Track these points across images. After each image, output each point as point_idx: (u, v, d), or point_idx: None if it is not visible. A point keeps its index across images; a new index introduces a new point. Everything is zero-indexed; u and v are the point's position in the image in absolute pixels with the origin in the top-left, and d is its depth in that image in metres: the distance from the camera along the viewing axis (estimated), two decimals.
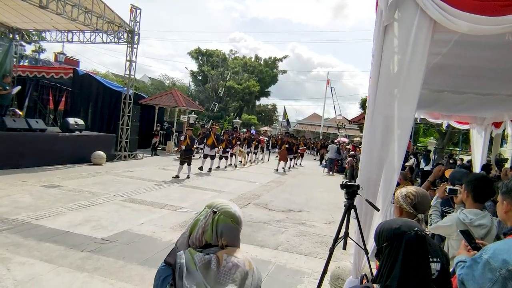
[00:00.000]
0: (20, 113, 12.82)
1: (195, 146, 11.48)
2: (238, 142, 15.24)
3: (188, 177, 10.59)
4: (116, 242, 4.71)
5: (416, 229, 1.35)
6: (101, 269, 3.85)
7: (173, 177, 10.17)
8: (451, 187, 2.80)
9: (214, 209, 1.32)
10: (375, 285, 1.33)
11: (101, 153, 11.48)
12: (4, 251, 4.04)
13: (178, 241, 1.35)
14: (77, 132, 11.46)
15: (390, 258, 1.33)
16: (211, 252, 1.25)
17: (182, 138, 10.81)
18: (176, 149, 10.75)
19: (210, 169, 12.56)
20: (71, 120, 11.54)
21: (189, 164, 10.63)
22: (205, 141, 12.74)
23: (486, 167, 7.00)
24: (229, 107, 42.97)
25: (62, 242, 4.49)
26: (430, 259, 1.77)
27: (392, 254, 1.33)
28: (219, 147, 13.58)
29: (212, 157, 12.80)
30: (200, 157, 15.63)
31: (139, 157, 14.11)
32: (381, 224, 1.49)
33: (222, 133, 15.54)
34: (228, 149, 14.33)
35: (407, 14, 2.43)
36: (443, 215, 2.79)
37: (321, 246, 5.45)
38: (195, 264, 1.21)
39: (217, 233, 1.28)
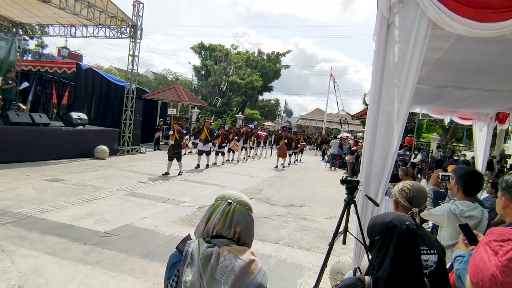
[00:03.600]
0: (24, 107, 12.89)
1: (192, 141, 11.20)
2: (236, 137, 14.95)
3: (180, 173, 10.05)
4: (118, 236, 4.76)
5: (407, 222, 1.36)
6: (103, 262, 3.90)
7: (162, 174, 9.65)
8: (444, 173, 2.82)
9: (229, 200, 1.33)
10: (366, 277, 1.35)
11: (104, 147, 11.55)
12: (8, 243, 4.10)
13: (195, 231, 1.37)
14: (80, 127, 11.51)
15: (382, 251, 1.34)
16: (217, 244, 1.26)
17: (171, 132, 10.13)
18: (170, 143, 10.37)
19: (207, 165, 12.29)
20: (74, 115, 11.58)
21: (178, 160, 10.07)
22: (199, 136, 12.45)
23: (498, 163, 6.91)
24: (232, 102, 42.97)
25: (65, 235, 4.54)
26: (428, 252, 1.79)
27: (383, 247, 1.35)
28: (215, 142, 13.28)
29: (208, 153, 12.33)
30: (191, 152, 15.61)
31: (141, 151, 14.18)
32: (373, 217, 1.51)
33: (218, 128, 15.38)
34: (224, 144, 14.00)
35: (409, 13, 2.46)
36: (436, 205, 2.83)
37: (321, 240, 5.47)
38: (199, 254, 1.23)
39: (232, 223, 1.29)
